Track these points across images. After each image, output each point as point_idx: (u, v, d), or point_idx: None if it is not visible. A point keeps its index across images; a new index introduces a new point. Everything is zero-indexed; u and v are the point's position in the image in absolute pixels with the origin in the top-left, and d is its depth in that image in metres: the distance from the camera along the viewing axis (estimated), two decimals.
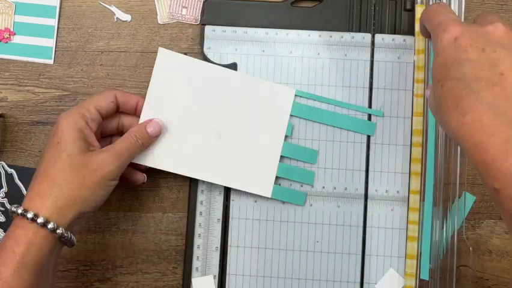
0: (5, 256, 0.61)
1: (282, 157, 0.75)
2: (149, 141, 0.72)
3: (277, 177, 0.75)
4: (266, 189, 0.75)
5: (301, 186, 0.76)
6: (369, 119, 0.76)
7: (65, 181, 0.64)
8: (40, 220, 0.62)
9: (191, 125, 0.74)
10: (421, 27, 0.66)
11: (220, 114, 0.74)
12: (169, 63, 0.74)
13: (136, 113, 0.73)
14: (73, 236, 0.66)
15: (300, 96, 0.76)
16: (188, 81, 0.74)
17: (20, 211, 0.63)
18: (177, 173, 0.74)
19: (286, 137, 0.75)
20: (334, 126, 0.76)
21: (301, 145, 0.76)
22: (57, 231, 0.63)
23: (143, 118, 0.73)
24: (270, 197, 0.75)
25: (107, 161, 0.67)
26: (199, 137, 0.74)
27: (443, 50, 0.57)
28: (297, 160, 0.76)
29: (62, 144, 0.66)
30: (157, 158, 0.73)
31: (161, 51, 0.74)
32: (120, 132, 0.74)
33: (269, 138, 0.75)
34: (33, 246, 0.62)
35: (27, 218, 0.62)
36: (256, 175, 0.75)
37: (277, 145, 0.75)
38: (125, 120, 0.74)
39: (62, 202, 0.64)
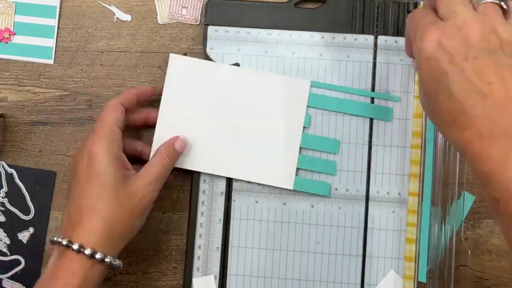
0: None
1: (301, 149, 0.75)
2: (177, 158, 0.73)
3: (299, 170, 0.75)
4: (288, 181, 0.75)
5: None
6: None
7: (115, 216, 0.66)
8: (98, 256, 0.64)
9: (208, 126, 0.74)
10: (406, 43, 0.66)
11: (237, 112, 0.75)
12: (181, 68, 0.75)
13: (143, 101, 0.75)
14: (120, 262, 0.67)
15: (316, 87, 0.76)
16: (201, 83, 0.75)
17: (76, 247, 0.63)
18: (198, 170, 0.75)
19: (304, 128, 0.76)
20: (353, 115, 0.76)
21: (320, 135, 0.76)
22: (113, 263, 0.65)
23: (159, 125, 0.74)
24: (292, 189, 0.75)
25: (148, 189, 0.68)
26: (217, 136, 0.74)
27: (426, 61, 0.56)
28: (319, 151, 0.76)
29: (105, 177, 0.66)
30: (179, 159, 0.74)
31: (173, 57, 0.75)
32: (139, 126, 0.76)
33: (287, 131, 0.75)
34: (89, 279, 0.64)
35: (85, 254, 0.63)
36: (277, 168, 0.75)
37: (296, 137, 0.75)
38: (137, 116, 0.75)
39: (116, 236, 0.66)
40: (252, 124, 0.75)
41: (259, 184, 0.75)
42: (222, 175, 0.75)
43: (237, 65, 0.76)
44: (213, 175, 0.75)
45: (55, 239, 0.65)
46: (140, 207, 0.68)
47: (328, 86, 0.76)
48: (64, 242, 0.64)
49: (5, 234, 0.76)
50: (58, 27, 0.78)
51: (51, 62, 0.78)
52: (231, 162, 0.75)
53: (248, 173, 0.75)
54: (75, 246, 0.63)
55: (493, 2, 0.57)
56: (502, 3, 0.57)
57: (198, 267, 0.75)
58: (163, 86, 0.75)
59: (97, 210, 0.65)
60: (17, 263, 0.77)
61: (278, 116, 0.75)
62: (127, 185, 0.67)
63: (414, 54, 0.58)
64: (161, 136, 0.74)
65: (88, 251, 0.63)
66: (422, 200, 0.74)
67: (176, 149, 0.72)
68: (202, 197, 0.75)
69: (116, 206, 0.66)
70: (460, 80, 0.54)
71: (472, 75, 0.53)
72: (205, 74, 0.75)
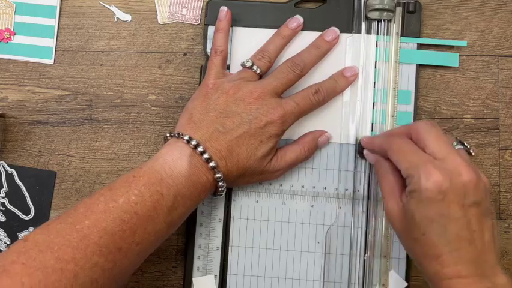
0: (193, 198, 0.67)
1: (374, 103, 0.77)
2: (314, 152, 0.76)
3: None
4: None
5: None
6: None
7: (239, 166, 0.69)
8: (218, 175, 0.67)
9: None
10: (373, 149, 0.71)
11: (309, 75, 0.75)
12: (244, 38, 0.77)
13: None
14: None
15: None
16: None
17: (212, 164, 0.67)
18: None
19: (374, 83, 0.76)
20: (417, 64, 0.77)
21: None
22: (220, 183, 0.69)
23: None
24: None
25: (276, 174, 0.74)
26: None
27: (428, 200, 0.61)
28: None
29: (276, 140, 0.71)
30: None
31: (235, 29, 0.76)
32: None
33: (358, 88, 0.76)
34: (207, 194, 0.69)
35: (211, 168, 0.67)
36: (352, 126, 0.76)
37: (368, 92, 0.76)
38: None
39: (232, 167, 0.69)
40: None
41: (259, 184, 0.75)
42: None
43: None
44: None
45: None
46: (257, 181, 0.74)
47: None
48: (212, 164, 0.67)
49: (5, 234, 0.77)
50: (58, 27, 0.78)
51: (51, 62, 0.78)
52: (305, 126, 0.76)
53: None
54: (212, 163, 0.67)
55: (465, 149, 0.65)
56: (471, 151, 0.66)
57: (197, 267, 0.75)
58: None
59: (237, 153, 0.69)
60: None
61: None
62: (268, 166, 0.72)
63: (412, 184, 0.62)
64: None
65: (212, 163, 0.67)
66: None
67: (318, 144, 0.75)
68: None
69: (248, 163, 0.69)
70: (454, 225, 0.60)
71: (464, 224, 0.60)
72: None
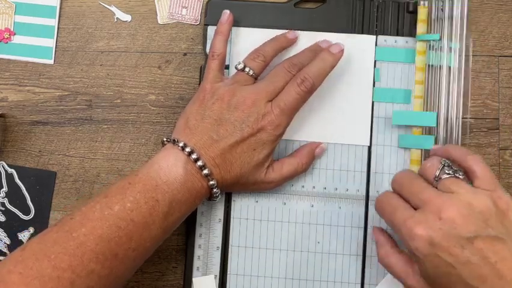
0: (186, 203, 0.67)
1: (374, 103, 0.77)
2: (311, 164, 0.75)
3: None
4: (363, 138, 0.76)
5: None
6: None
7: (232, 175, 0.69)
8: (212, 182, 0.68)
9: None
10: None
11: None
12: (245, 38, 0.76)
13: None
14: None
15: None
16: None
17: (206, 171, 0.67)
18: None
19: (374, 83, 0.76)
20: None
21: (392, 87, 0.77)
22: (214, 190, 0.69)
23: None
24: (368, 145, 0.76)
25: (271, 185, 0.73)
26: None
27: (426, 259, 0.59)
28: (391, 103, 0.77)
29: (273, 145, 0.71)
30: None
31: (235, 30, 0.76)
32: None
33: (358, 87, 0.76)
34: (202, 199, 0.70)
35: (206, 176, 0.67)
36: (351, 126, 0.76)
37: (367, 92, 0.76)
38: None
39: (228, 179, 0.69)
40: (321, 86, 0.73)
41: None
42: (297, 139, 0.76)
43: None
44: None
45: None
46: (251, 190, 0.74)
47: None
48: (206, 172, 0.67)
49: (5, 234, 0.76)
50: (58, 27, 0.78)
51: (51, 62, 0.78)
52: (305, 125, 0.75)
53: (324, 134, 0.76)
54: (205, 171, 0.67)
55: (451, 177, 0.62)
56: (457, 175, 0.62)
57: (198, 267, 0.75)
58: None
59: (230, 161, 0.68)
60: None
61: (347, 74, 0.75)
62: (265, 176, 0.72)
63: (408, 250, 0.61)
64: None
65: (205, 171, 0.67)
66: None
67: (314, 155, 0.75)
68: None
69: (242, 171, 0.69)
70: (470, 268, 0.57)
71: (478, 261, 0.56)
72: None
